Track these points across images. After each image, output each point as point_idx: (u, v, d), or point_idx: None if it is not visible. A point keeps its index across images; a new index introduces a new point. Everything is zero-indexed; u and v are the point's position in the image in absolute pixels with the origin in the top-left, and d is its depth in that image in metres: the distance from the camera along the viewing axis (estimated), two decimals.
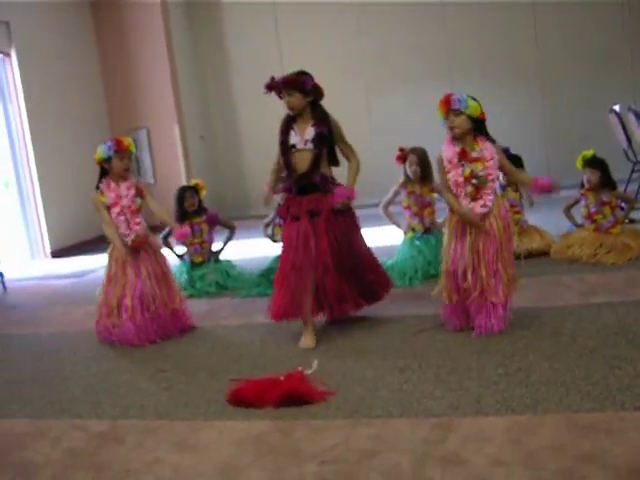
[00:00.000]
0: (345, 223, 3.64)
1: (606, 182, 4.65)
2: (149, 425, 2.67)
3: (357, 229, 3.74)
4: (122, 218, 3.84)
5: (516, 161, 4.97)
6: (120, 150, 3.80)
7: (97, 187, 3.90)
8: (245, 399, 2.74)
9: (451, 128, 3.32)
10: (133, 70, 9.13)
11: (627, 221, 4.82)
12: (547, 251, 4.82)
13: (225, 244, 5.33)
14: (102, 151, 3.82)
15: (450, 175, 3.37)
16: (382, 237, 6.04)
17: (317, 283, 3.53)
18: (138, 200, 3.89)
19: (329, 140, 3.63)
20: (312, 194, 3.60)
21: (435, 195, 4.71)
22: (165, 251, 5.30)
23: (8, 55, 7.72)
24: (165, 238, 5.21)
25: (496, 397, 2.52)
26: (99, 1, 9.08)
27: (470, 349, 3.09)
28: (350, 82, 9.19)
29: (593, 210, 4.67)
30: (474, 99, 3.32)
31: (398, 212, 4.85)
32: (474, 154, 3.32)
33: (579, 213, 4.83)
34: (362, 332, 3.58)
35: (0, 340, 4.38)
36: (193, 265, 5.14)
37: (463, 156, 3.33)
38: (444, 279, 3.41)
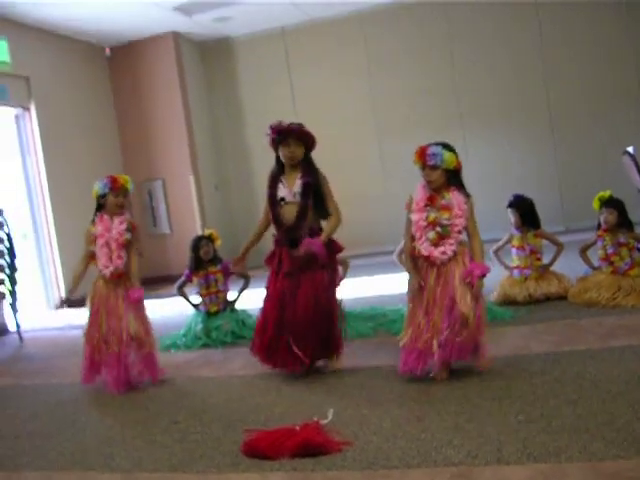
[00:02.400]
0: (326, 280, 3.70)
1: (623, 223, 4.61)
2: (162, 478, 2.62)
3: (333, 288, 3.79)
4: (105, 250, 3.90)
5: (528, 206, 4.96)
6: (115, 188, 3.89)
7: (93, 220, 3.99)
8: (260, 450, 2.68)
9: (428, 182, 3.36)
10: (149, 122, 9.30)
11: None
12: (564, 295, 4.76)
13: (240, 293, 5.31)
14: (98, 187, 3.94)
15: (414, 217, 3.39)
16: (397, 284, 6.01)
17: (294, 336, 3.60)
18: (128, 235, 3.94)
19: (316, 191, 3.68)
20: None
21: None
22: (181, 300, 5.33)
23: (28, 109, 7.89)
24: (180, 287, 5.22)
25: (517, 445, 2.45)
26: (115, 54, 9.31)
27: (489, 395, 3.03)
28: (361, 127, 9.29)
29: (610, 251, 4.62)
30: (449, 149, 3.34)
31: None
32: (443, 202, 3.34)
33: (595, 255, 4.78)
34: (377, 380, 3.51)
35: (15, 391, 4.36)
36: (209, 315, 5.12)
37: (431, 201, 3.36)
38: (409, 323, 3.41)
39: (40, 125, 7.94)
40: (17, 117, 7.91)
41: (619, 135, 8.11)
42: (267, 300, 3.81)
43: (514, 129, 8.74)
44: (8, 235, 6.27)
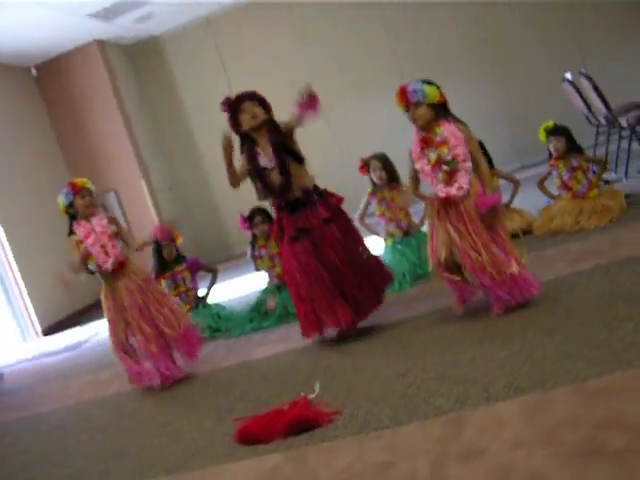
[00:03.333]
0: (341, 229, 3.66)
1: (573, 147, 4.65)
2: None
3: (354, 231, 3.78)
4: (97, 246, 3.81)
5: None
6: (77, 191, 3.82)
7: (70, 231, 3.88)
8: (253, 435, 2.67)
9: (414, 120, 3.29)
10: (90, 136, 9.10)
11: (602, 183, 4.80)
12: (527, 229, 4.76)
13: (209, 288, 5.26)
14: (62, 199, 3.85)
15: (417, 165, 3.32)
16: None
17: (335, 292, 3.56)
18: (112, 226, 3.89)
19: (285, 144, 3.65)
20: (301, 211, 3.62)
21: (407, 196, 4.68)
22: None
23: None
24: None
25: (503, 381, 2.46)
26: (42, 73, 9.08)
27: (469, 339, 3.04)
28: None
29: (566, 177, 4.66)
30: (430, 83, 3.27)
31: (374, 222, 4.82)
32: (438, 138, 3.26)
33: (552, 185, 4.81)
34: (360, 345, 3.51)
35: (2, 427, 4.27)
36: None
37: (426, 143, 3.28)
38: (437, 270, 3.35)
39: None
40: None
41: (560, 63, 8.09)
42: (288, 273, 3.71)
43: (455, 73, 8.62)
44: None
